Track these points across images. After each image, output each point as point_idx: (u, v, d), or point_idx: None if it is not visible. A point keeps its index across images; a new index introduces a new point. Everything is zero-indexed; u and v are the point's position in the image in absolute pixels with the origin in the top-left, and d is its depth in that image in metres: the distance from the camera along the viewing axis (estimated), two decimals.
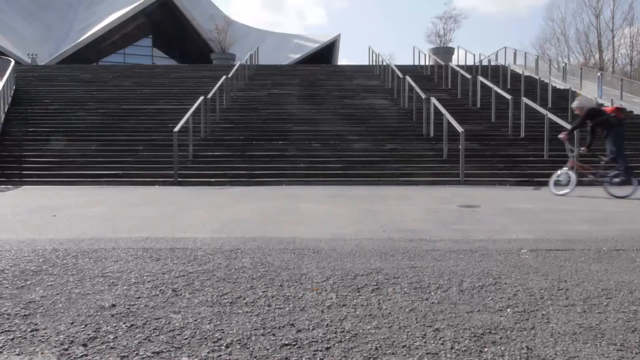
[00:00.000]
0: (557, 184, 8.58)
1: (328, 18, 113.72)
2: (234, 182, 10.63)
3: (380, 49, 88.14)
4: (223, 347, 2.17)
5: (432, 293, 2.93)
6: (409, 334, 2.32)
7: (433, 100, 13.11)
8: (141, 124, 14.23)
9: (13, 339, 2.25)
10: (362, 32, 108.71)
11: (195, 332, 2.33)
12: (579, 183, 8.74)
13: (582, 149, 8.68)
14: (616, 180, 8.15)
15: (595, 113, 8.38)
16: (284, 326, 2.41)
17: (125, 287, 3.01)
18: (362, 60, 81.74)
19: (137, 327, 2.38)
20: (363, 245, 4.27)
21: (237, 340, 2.24)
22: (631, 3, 55.92)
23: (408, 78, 15.59)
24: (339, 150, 12.46)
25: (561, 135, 8.77)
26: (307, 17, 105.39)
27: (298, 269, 3.44)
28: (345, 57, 65.98)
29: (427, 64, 23.02)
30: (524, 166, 11.52)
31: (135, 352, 2.12)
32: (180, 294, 2.89)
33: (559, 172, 8.60)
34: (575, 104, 8.75)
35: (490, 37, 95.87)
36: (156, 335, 2.29)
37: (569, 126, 11.57)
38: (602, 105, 8.91)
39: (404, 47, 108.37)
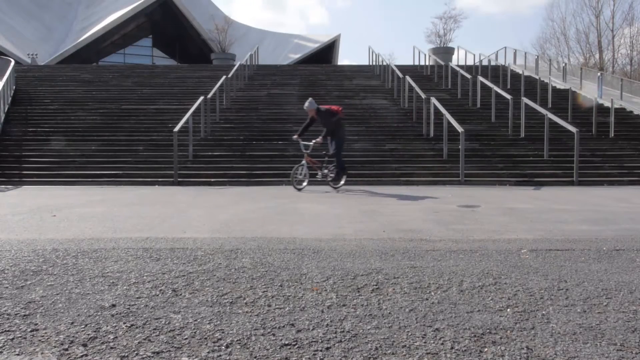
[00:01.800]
0: (296, 178, 9.13)
1: (329, 18, 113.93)
2: (234, 182, 10.64)
3: (381, 49, 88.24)
4: (223, 347, 2.17)
5: (432, 293, 2.93)
6: (409, 334, 2.32)
7: (433, 100, 13.11)
8: (141, 124, 14.23)
9: (13, 339, 2.25)
10: (363, 32, 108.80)
11: (195, 332, 2.32)
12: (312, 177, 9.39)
13: (318, 139, 9.15)
14: (332, 175, 9.30)
15: (330, 113, 9.10)
16: (284, 326, 2.41)
17: (125, 287, 3.01)
18: (363, 60, 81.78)
19: (137, 327, 2.38)
20: (363, 245, 4.27)
21: (237, 340, 2.24)
22: (631, 3, 56.01)
23: (408, 78, 15.59)
24: None
25: (294, 137, 9.43)
26: (309, 16, 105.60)
27: (298, 269, 3.44)
28: (346, 57, 66.11)
29: (427, 64, 23.03)
30: (524, 166, 11.52)
31: (135, 352, 2.12)
32: (180, 294, 2.89)
33: (297, 167, 9.20)
34: (305, 106, 9.37)
35: (490, 37, 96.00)
36: (156, 335, 2.29)
37: (569, 126, 11.69)
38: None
39: (404, 47, 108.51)
